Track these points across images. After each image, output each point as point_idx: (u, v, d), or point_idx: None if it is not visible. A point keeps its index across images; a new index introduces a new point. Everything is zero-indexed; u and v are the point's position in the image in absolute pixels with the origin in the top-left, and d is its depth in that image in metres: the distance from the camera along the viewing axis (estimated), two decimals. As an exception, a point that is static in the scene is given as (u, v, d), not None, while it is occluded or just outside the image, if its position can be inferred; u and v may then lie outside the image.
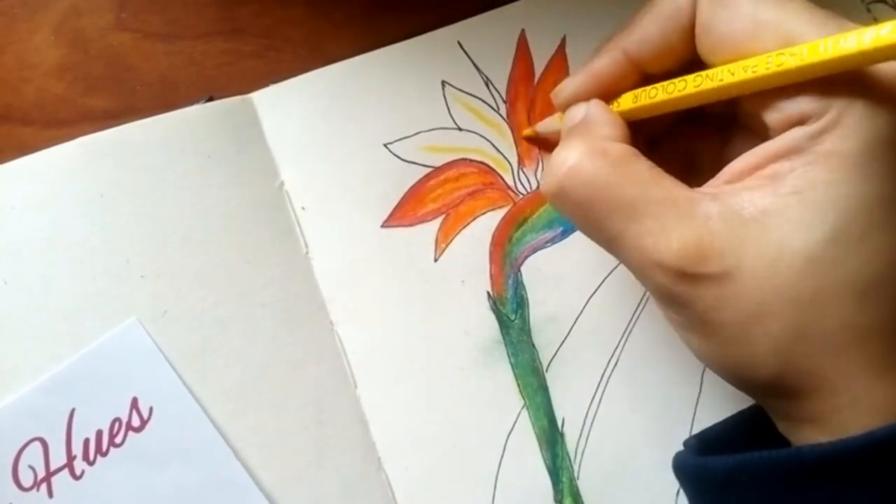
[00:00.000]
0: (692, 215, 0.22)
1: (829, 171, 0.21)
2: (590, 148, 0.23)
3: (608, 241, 0.23)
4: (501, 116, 0.31)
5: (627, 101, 0.25)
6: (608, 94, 0.26)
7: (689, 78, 0.23)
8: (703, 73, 0.23)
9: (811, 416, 0.22)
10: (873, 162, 0.21)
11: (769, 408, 0.24)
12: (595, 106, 0.26)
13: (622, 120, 0.25)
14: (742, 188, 0.22)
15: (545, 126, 0.30)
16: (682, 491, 0.29)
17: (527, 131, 0.31)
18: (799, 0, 0.22)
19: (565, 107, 0.27)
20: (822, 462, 0.20)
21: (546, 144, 0.31)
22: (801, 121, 0.21)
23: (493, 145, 0.31)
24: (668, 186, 0.22)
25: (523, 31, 0.31)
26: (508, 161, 0.31)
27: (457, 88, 0.31)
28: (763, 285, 0.21)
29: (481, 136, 0.31)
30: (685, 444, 0.26)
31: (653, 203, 0.22)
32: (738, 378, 0.23)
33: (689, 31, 0.24)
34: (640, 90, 0.25)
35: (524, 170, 0.31)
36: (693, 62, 0.24)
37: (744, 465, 0.22)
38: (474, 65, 0.31)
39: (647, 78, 0.25)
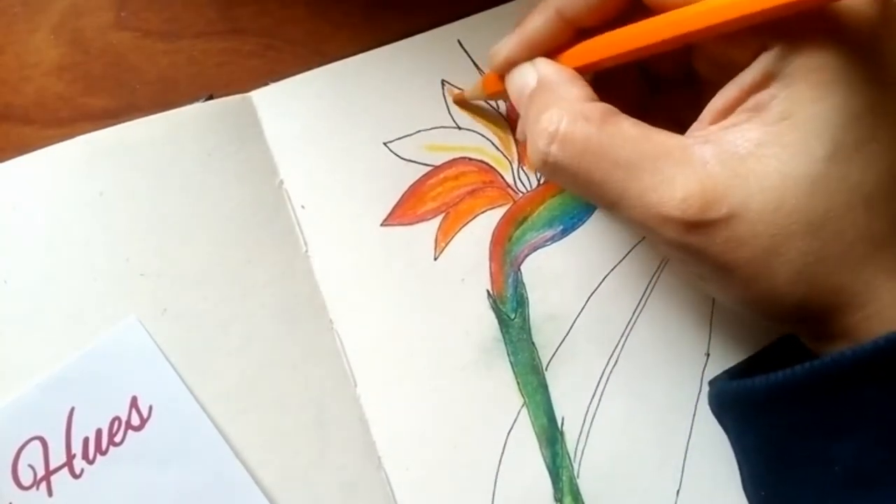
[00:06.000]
0: (689, 162, 0.22)
1: (811, 89, 0.21)
2: (570, 113, 0.23)
3: (611, 204, 0.23)
4: (501, 115, 0.31)
5: (573, 59, 0.25)
6: (544, 54, 0.26)
7: (639, 25, 0.23)
8: (653, 20, 0.23)
9: (842, 332, 0.22)
10: (851, 70, 0.21)
11: (799, 332, 0.24)
12: (546, 66, 0.25)
13: (580, 76, 0.25)
14: (730, 126, 0.22)
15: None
16: (681, 491, 0.29)
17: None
18: None
19: (503, 70, 0.27)
20: (868, 362, 0.21)
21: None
22: (764, 46, 0.21)
23: (493, 144, 0.31)
24: (657, 139, 0.22)
25: (523, 29, 0.31)
26: (508, 159, 0.31)
27: (457, 87, 0.31)
28: (773, 217, 0.21)
29: (481, 134, 0.31)
30: (713, 382, 0.27)
31: (647, 158, 0.22)
32: (765, 312, 0.23)
33: None
34: (583, 45, 0.25)
35: (524, 168, 0.31)
36: (626, 14, 0.24)
37: (792, 377, 0.22)
38: (474, 63, 0.31)
39: (582, 34, 0.25)
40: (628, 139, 0.22)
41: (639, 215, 0.22)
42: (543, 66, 0.25)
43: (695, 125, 0.23)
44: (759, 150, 0.21)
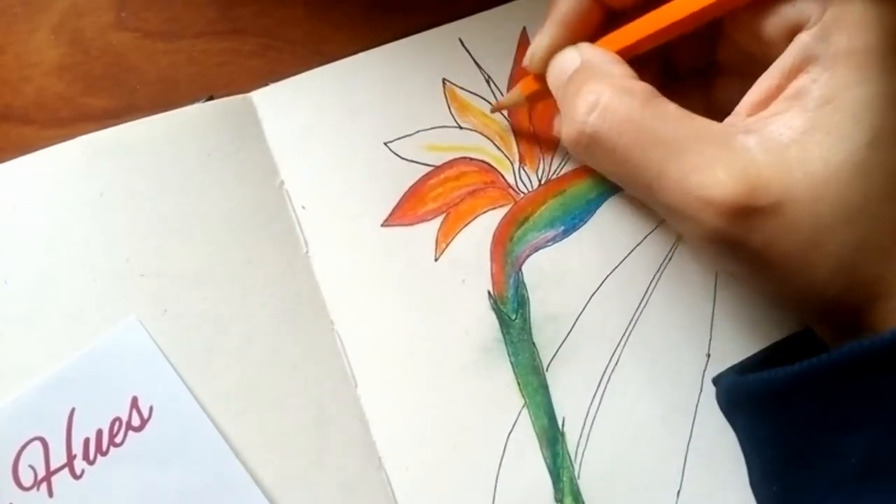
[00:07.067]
0: (733, 148, 0.21)
1: (853, 71, 0.20)
2: (614, 87, 0.22)
3: (647, 184, 0.22)
4: (502, 114, 0.31)
5: (614, 42, 0.25)
6: (580, 39, 0.25)
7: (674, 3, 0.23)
8: None
9: (872, 326, 0.21)
10: (891, 52, 0.20)
11: (827, 328, 0.24)
12: (590, 49, 0.25)
13: (622, 59, 0.24)
14: (772, 115, 0.21)
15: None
16: (681, 492, 0.29)
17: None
18: None
19: (545, 62, 0.26)
20: (885, 351, 0.20)
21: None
22: (800, 24, 0.21)
23: (494, 144, 0.31)
24: (700, 122, 0.22)
25: (524, 28, 0.31)
26: (509, 159, 0.31)
27: (458, 86, 0.31)
28: (816, 207, 0.20)
29: (482, 134, 0.31)
30: (718, 378, 0.27)
31: (691, 138, 0.21)
32: (802, 307, 0.22)
33: None
34: (623, 29, 0.24)
35: (525, 168, 0.31)
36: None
37: (809, 368, 0.21)
38: (475, 62, 0.31)
39: (612, 14, 0.25)
40: (671, 118, 0.22)
41: (677, 199, 0.21)
42: (587, 48, 0.25)
43: (730, 118, 0.23)
44: (803, 138, 0.20)
